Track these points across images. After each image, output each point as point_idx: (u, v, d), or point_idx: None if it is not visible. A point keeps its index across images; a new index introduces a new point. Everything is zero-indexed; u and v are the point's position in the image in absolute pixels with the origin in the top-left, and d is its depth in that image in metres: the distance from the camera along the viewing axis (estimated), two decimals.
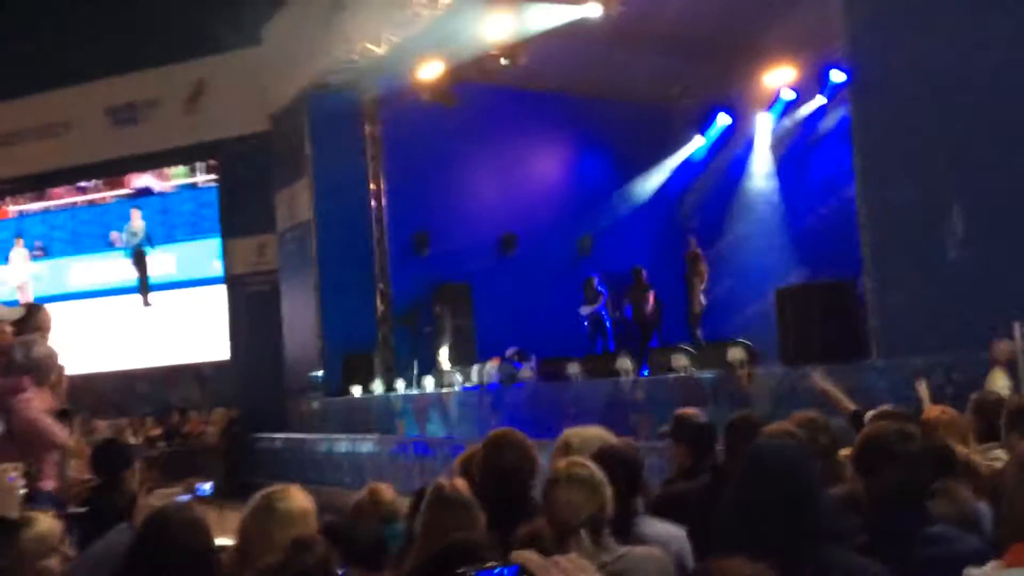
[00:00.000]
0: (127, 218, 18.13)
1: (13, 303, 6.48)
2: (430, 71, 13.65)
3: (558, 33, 12.52)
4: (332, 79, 14.69)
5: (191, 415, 16.27)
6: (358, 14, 13.52)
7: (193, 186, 18.61)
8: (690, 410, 4.40)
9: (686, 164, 16.37)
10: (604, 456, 3.13)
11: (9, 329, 5.00)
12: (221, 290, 17.82)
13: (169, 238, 18.27)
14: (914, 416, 3.99)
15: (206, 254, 18.11)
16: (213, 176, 18.24)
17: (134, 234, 17.93)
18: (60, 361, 5.21)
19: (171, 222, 18.44)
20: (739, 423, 3.88)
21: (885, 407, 4.28)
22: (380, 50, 13.64)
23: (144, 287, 17.73)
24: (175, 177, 18.78)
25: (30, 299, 16.78)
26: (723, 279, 15.28)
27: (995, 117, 6.34)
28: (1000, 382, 4.97)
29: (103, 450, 4.87)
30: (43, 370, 4.91)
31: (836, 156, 12.94)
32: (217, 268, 17.99)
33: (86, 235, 19.00)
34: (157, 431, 14.98)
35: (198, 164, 18.45)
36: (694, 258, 13.53)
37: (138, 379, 17.80)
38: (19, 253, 18.52)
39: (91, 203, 19.29)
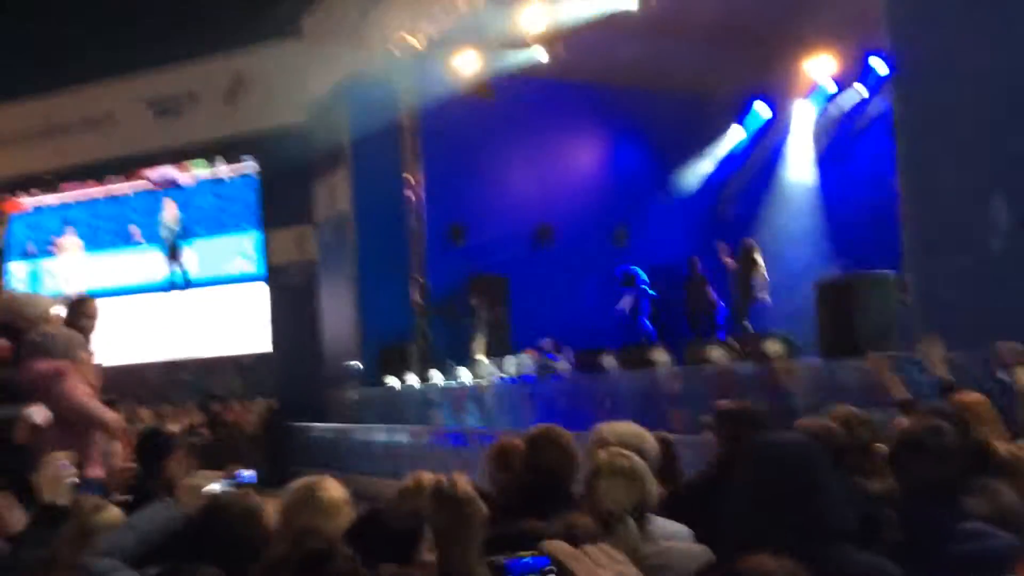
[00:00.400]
0: (148, 211, 18.21)
1: (59, 295, 6.63)
2: (467, 63, 13.67)
3: (594, 24, 12.47)
4: (370, 71, 14.77)
5: (232, 404, 16.50)
6: (396, 6, 13.60)
7: (217, 180, 18.62)
8: (730, 402, 4.38)
9: (724, 155, 16.21)
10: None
11: (51, 318, 5.09)
12: (253, 286, 17.90)
13: (190, 234, 18.36)
14: (953, 412, 3.94)
15: (229, 251, 18.17)
16: (238, 167, 18.23)
17: (169, 227, 18.07)
18: (87, 348, 5.28)
19: (192, 217, 18.45)
20: (736, 414, 3.85)
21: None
22: (417, 42, 13.69)
23: (185, 281, 17.90)
24: (196, 169, 18.74)
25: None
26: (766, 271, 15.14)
27: None
28: None
29: (146, 438, 4.96)
30: (68, 349, 4.96)
31: (878, 146, 12.75)
32: (242, 266, 18.01)
33: (104, 230, 19.08)
34: (199, 419, 15.18)
35: (218, 157, 18.45)
36: (749, 249, 12.92)
37: (181, 369, 18.10)
38: (71, 242, 18.67)
39: (109, 195, 19.25)
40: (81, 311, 5.50)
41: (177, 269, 18.18)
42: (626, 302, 13.82)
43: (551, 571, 1.69)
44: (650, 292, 13.71)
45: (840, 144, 14.23)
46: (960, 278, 6.71)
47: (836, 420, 3.58)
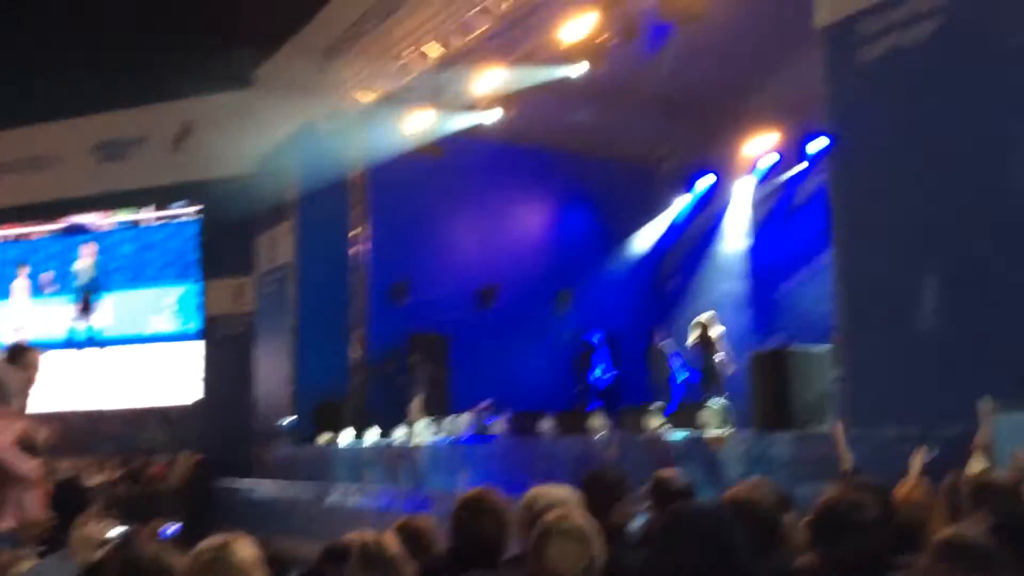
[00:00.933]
0: (60, 257, 17.65)
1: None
2: (418, 121, 13.75)
3: (545, 89, 12.66)
4: (321, 124, 14.77)
5: (156, 458, 15.97)
6: (351, 63, 13.68)
7: (135, 224, 18.12)
8: (669, 472, 4.32)
9: (668, 225, 16.46)
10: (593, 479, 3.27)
11: None
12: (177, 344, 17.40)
13: (110, 284, 17.70)
14: (884, 486, 3.93)
15: (153, 303, 17.64)
16: (175, 214, 17.81)
17: (82, 275, 17.37)
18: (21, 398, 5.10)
19: (115, 266, 17.82)
20: (657, 485, 3.81)
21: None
22: (370, 98, 13.76)
23: (91, 338, 17.15)
24: (124, 215, 18.07)
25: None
26: None
27: (971, 189, 6.40)
28: (977, 465, 4.88)
29: (62, 490, 4.80)
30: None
31: (815, 222, 13.05)
32: (165, 320, 17.54)
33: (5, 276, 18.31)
34: (119, 472, 14.67)
35: (148, 205, 17.92)
36: (703, 327, 12.53)
37: (105, 420, 17.50)
38: (21, 285, 17.92)
39: (18, 238, 18.61)
40: (20, 360, 5.32)
41: (83, 324, 17.24)
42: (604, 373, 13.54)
43: None
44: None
45: (780, 218, 14.55)
46: (890, 354, 6.81)
47: (760, 491, 3.54)
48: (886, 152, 7.05)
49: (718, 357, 11.59)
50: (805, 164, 14.04)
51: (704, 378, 11.65)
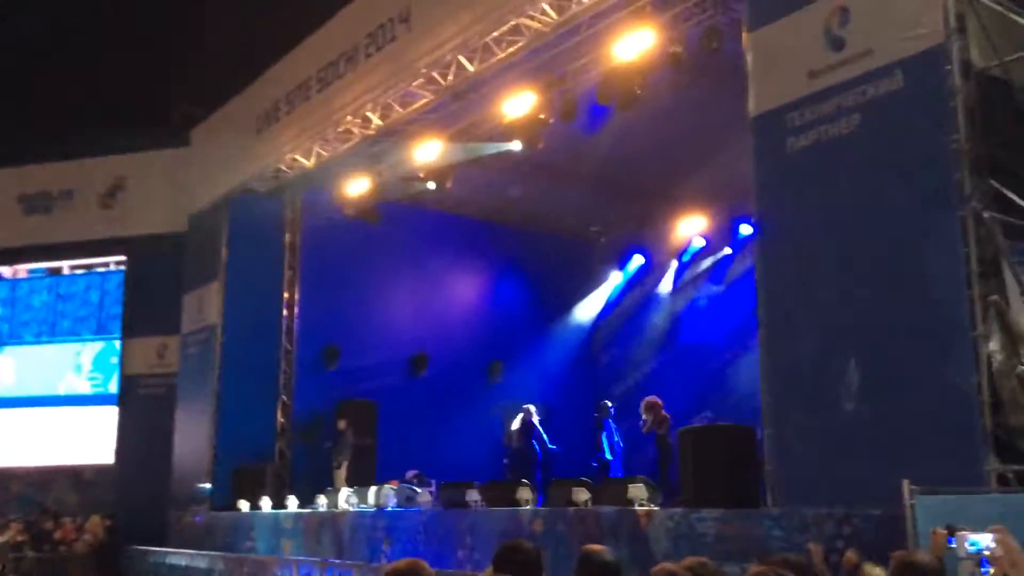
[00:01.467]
0: None
1: None
2: (356, 187, 13.80)
3: (484, 162, 12.88)
4: (257, 186, 14.71)
5: (64, 521, 15.24)
6: (290, 126, 13.72)
7: (51, 272, 17.59)
8: (598, 547, 4.23)
9: (600, 299, 16.71)
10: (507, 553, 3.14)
11: None
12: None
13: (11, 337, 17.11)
14: (805, 565, 4.00)
15: (64, 360, 17.04)
16: (82, 262, 17.40)
17: None
18: None
19: (19, 317, 17.29)
20: (585, 557, 3.80)
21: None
22: (309, 163, 13.78)
23: None
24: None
25: None
26: (628, 417, 15.39)
27: (889, 277, 6.68)
28: (875, 571, 4.98)
29: None
30: None
31: (742, 304, 13.41)
32: (82, 380, 16.93)
33: None
34: (23, 536, 13.95)
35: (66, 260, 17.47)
36: (655, 407, 12.27)
37: (13, 478, 16.71)
38: None
39: None
40: None
41: None
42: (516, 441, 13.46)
43: None
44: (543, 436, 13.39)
45: (707, 299, 14.91)
46: (814, 436, 6.97)
47: (689, 569, 3.56)
48: (810, 239, 7.33)
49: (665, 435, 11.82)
50: (729, 250, 14.49)
51: (659, 453, 11.82)
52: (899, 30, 6.79)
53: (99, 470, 16.37)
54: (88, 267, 17.59)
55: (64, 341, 17.31)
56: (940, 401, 6.20)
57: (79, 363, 17.23)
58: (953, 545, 3.99)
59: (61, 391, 17.15)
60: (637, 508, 8.08)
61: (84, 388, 17.09)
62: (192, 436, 14.88)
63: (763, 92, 7.81)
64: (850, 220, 7.01)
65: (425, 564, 3.37)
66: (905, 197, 6.68)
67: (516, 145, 12.15)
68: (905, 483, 5.41)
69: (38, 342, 17.34)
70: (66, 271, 17.70)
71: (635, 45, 9.87)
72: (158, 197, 16.77)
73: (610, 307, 16.64)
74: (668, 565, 3.47)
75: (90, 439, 16.58)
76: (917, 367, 6.40)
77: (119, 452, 16.33)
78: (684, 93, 11.15)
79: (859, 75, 7.02)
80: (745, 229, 13.69)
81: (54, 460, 16.68)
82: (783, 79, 7.61)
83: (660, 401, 12.16)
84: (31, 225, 17.70)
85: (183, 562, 13.30)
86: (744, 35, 8.12)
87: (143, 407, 16.32)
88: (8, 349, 17.22)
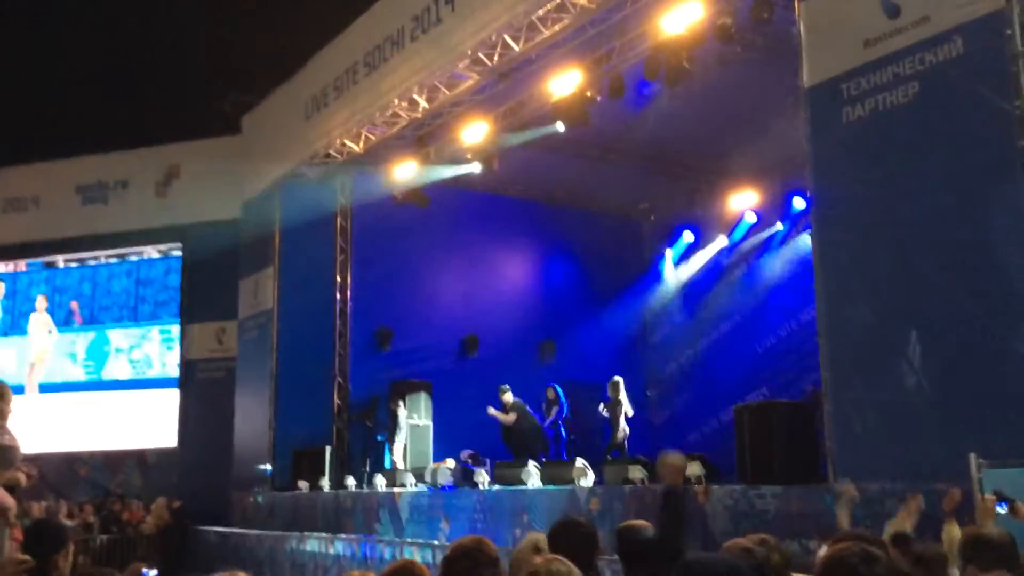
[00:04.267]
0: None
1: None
2: (404, 171, 13.88)
3: (531, 142, 12.85)
4: (308, 171, 14.87)
5: (132, 503, 15.68)
6: (339, 111, 13.82)
7: (121, 258, 17.98)
8: (637, 522, 4.20)
9: (651, 278, 16.61)
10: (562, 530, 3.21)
11: None
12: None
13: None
14: (879, 542, 3.95)
15: (128, 344, 17.49)
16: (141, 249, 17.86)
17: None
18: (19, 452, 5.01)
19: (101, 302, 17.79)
20: (624, 532, 3.80)
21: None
22: (358, 147, 13.88)
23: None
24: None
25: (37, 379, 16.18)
26: (683, 394, 15.35)
27: (952, 247, 6.55)
28: (955, 533, 4.87)
29: (36, 531, 4.67)
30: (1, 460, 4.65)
31: (797, 279, 13.24)
32: (144, 365, 17.37)
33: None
34: (93, 518, 14.38)
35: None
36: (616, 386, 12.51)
37: (81, 462, 17.22)
38: (39, 320, 17.63)
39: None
40: None
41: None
42: (549, 420, 13.57)
43: None
44: (565, 412, 13.46)
45: (761, 274, 14.72)
46: (875, 411, 6.88)
47: (755, 545, 3.54)
48: (869, 210, 7.20)
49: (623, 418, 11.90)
50: (781, 225, 14.29)
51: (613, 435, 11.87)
52: None
53: (163, 453, 16.81)
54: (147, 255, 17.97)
55: (131, 326, 17.66)
56: (1006, 372, 6.09)
57: (143, 347, 17.60)
58: (1003, 511, 3.91)
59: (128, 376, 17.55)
60: (695, 485, 8.06)
61: (149, 371, 17.43)
62: (252, 418, 15.19)
63: (817, 62, 7.68)
64: (910, 189, 6.88)
65: (488, 541, 3.40)
66: (966, 165, 6.54)
67: (561, 127, 12.05)
68: (972, 457, 5.33)
69: (110, 326, 17.70)
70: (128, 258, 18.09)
71: (683, 18, 9.74)
72: (212, 185, 17.04)
73: (660, 285, 16.52)
74: (741, 541, 3.46)
75: (153, 424, 16.99)
76: (981, 338, 6.28)
77: (181, 435, 16.74)
78: (733, 66, 10.99)
79: (916, 42, 6.87)
80: (798, 202, 13.48)
81: (119, 444, 17.13)
82: (837, 48, 7.47)
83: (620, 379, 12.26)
84: (89, 215, 18.13)
85: (246, 541, 13.62)
86: (796, 4, 7.97)
87: (204, 391, 16.70)
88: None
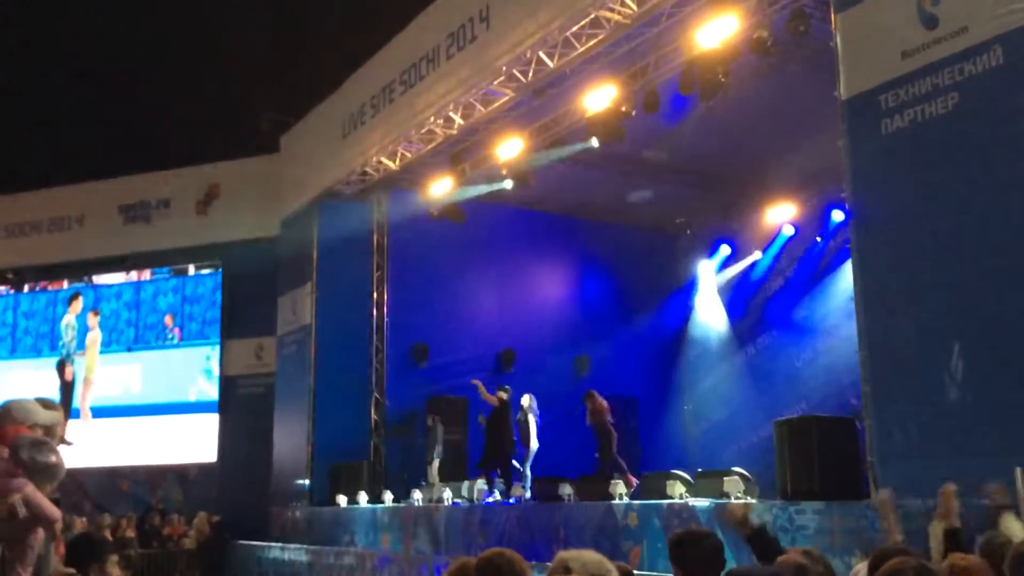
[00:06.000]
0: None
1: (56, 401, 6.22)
2: (440, 187, 13.98)
3: (566, 157, 12.88)
4: (344, 189, 15.04)
5: (173, 517, 15.86)
6: (375, 129, 13.97)
7: (174, 274, 18.04)
8: (698, 528, 4.14)
9: (687, 291, 16.53)
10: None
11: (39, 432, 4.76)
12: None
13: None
14: (924, 557, 3.90)
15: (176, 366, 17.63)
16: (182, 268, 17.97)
17: (66, 333, 17.20)
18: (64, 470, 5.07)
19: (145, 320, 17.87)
20: (686, 537, 3.76)
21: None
22: (394, 165, 14.02)
23: (66, 407, 15.64)
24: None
25: (87, 398, 16.32)
26: (720, 408, 15.24)
27: (994, 259, 6.45)
28: (1014, 525, 4.79)
29: (77, 543, 4.77)
30: (46, 476, 4.66)
31: (833, 293, 13.11)
32: (188, 386, 17.55)
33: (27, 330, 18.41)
34: (133, 532, 14.55)
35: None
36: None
37: (122, 477, 17.47)
38: (93, 337, 17.65)
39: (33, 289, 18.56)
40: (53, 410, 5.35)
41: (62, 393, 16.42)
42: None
43: None
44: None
45: (799, 288, 14.59)
46: (917, 424, 6.78)
47: (810, 559, 3.51)
48: (909, 222, 7.12)
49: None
50: (819, 238, 14.17)
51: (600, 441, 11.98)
52: (996, 5, 6.55)
53: (203, 468, 16.99)
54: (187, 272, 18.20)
55: (175, 347, 17.88)
56: None
57: (190, 367, 17.80)
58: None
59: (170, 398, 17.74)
60: (733, 501, 7.99)
61: (190, 392, 17.62)
62: (290, 434, 15.32)
63: (855, 74, 7.63)
64: (951, 200, 6.79)
65: (514, 553, 3.36)
66: (1009, 175, 6.44)
67: (596, 143, 12.05)
68: (1018, 471, 5.23)
69: (151, 348, 17.92)
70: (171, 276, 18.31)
71: (718, 32, 9.72)
72: (251, 203, 17.30)
73: (697, 298, 16.44)
74: (794, 556, 3.43)
75: (193, 439, 17.18)
76: None
77: (221, 450, 16.92)
78: (768, 79, 10.95)
79: (955, 53, 6.79)
80: (836, 215, 13.36)
81: (160, 459, 17.35)
82: (875, 60, 7.42)
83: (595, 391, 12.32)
84: (131, 234, 18.45)
85: (285, 555, 13.72)
86: (833, 16, 7.94)
87: (243, 406, 16.88)
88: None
